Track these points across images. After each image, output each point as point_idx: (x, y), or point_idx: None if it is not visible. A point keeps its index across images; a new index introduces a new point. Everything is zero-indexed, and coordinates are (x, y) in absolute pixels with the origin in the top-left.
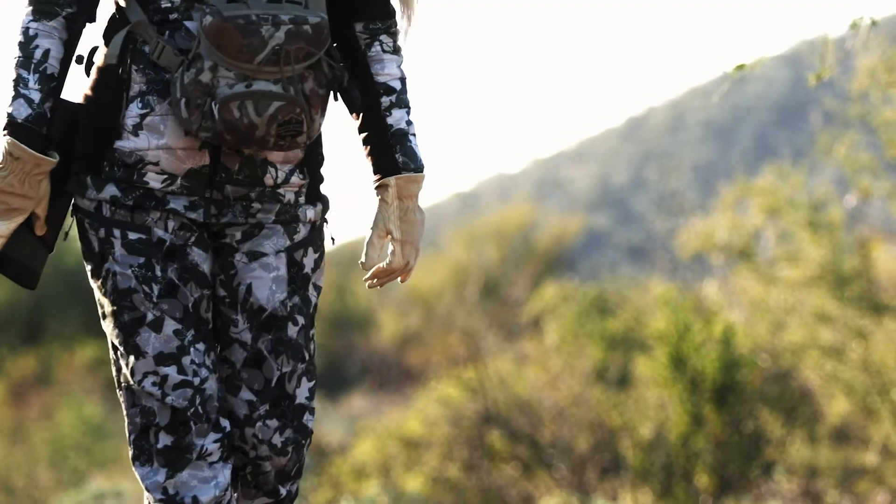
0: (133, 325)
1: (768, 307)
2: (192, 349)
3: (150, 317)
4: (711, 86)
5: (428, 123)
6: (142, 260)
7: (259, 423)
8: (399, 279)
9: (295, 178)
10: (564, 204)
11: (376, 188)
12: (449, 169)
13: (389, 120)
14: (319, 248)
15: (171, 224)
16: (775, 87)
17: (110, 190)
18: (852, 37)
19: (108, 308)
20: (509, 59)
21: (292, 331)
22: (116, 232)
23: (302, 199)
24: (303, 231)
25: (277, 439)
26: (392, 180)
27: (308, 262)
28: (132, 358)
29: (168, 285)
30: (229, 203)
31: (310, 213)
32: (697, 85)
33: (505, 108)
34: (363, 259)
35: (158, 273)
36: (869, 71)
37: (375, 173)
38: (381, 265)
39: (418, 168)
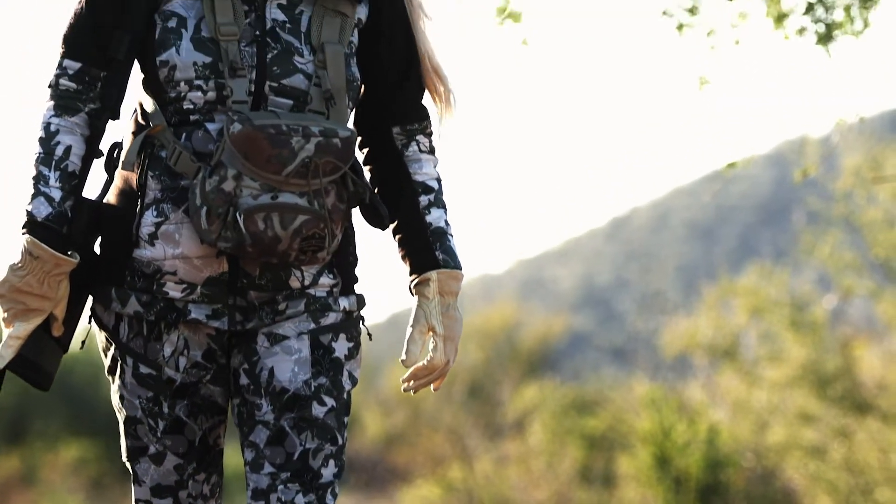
0: (136, 452)
1: (752, 407)
2: (190, 482)
3: (152, 449)
4: (695, 186)
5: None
6: (150, 394)
7: (281, 487)
8: (433, 386)
9: (324, 280)
10: (548, 304)
11: (416, 285)
12: None
13: (429, 219)
14: (354, 338)
15: (182, 361)
16: (759, 187)
17: (133, 305)
18: (836, 135)
19: (119, 418)
20: (493, 160)
21: (318, 410)
22: (129, 360)
23: (334, 296)
24: (332, 317)
25: (301, 500)
26: (433, 275)
27: (340, 347)
28: (132, 478)
29: (174, 422)
30: (254, 308)
31: (343, 302)
32: (681, 185)
33: (490, 209)
34: (404, 356)
35: (165, 410)
36: (853, 170)
37: (414, 272)
38: (421, 363)
39: (458, 266)
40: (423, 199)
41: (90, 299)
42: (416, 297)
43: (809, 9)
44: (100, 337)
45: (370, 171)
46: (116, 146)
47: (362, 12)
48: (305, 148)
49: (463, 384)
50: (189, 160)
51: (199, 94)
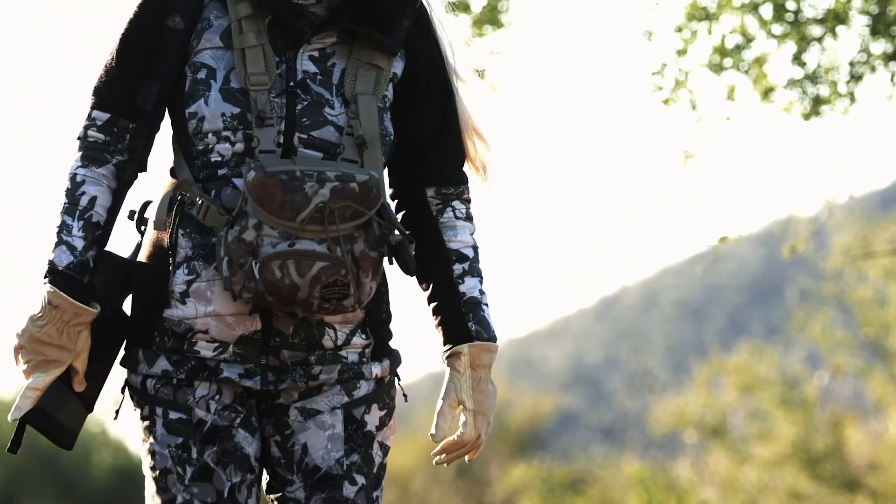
0: None
1: (741, 485)
2: None
3: (179, 499)
4: (684, 265)
5: (401, 303)
6: (179, 440)
7: None
8: (466, 457)
9: (357, 339)
10: (538, 383)
11: (447, 358)
12: (422, 348)
13: (462, 288)
14: (387, 405)
15: (213, 405)
16: (748, 267)
17: (162, 364)
18: (825, 213)
19: (148, 486)
20: (481, 240)
21: (349, 490)
22: (159, 410)
23: (366, 359)
24: (364, 388)
25: None
26: (465, 348)
27: (371, 419)
28: None
29: (202, 469)
30: (287, 368)
31: (375, 369)
32: (670, 265)
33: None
34: (433, 431)
35: (194, 455)
36: (843, 249)
37: (447, 342)
38: (451, 438)
39: (491, 338)
40: (457, 268)
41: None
42: (447, 369)
43: (796, 82)
44: (129, 403)
45: None
46: (147, 205)
47: (398, 67)
48: (320, 193)
49: (452, 463)
50: (218, 213)
51: (227, 145)
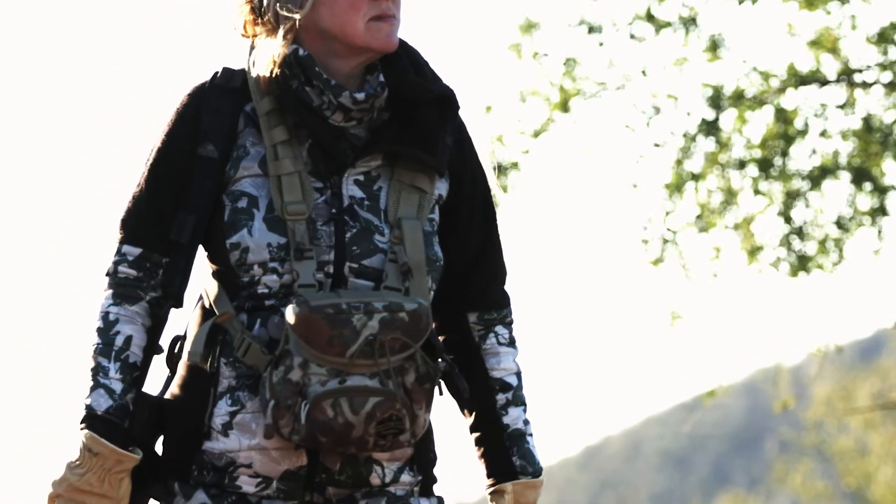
0: None
1: None
2: None
3: None
4: (667, 415)
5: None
6: None
7: None
8: None
9: (405, 477)
10: None
11: (491, 493)
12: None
13: (506, 419)
14: None
15: None
16: (731, 416)
17: (200, 498)
18: (813, 365)
19: None
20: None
21: None
22: None
23: (414, 497)
24: None
25: None
26: (509, 486)
27: None
28: None
29: None
30: None
31: (423, 503)
32: (654, 414)
33: (460, 439)
34: None
35: None
36: (825, 399)
37: (490, 476)
38: None
39: (536, 472)
40: (501, 398)
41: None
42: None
43: (785, 241)
44: None
45: None
46: (179, 339)
47: (442, 188)
48: (368, 325)
49: None
50: (259, 352)
51: (275, 277)
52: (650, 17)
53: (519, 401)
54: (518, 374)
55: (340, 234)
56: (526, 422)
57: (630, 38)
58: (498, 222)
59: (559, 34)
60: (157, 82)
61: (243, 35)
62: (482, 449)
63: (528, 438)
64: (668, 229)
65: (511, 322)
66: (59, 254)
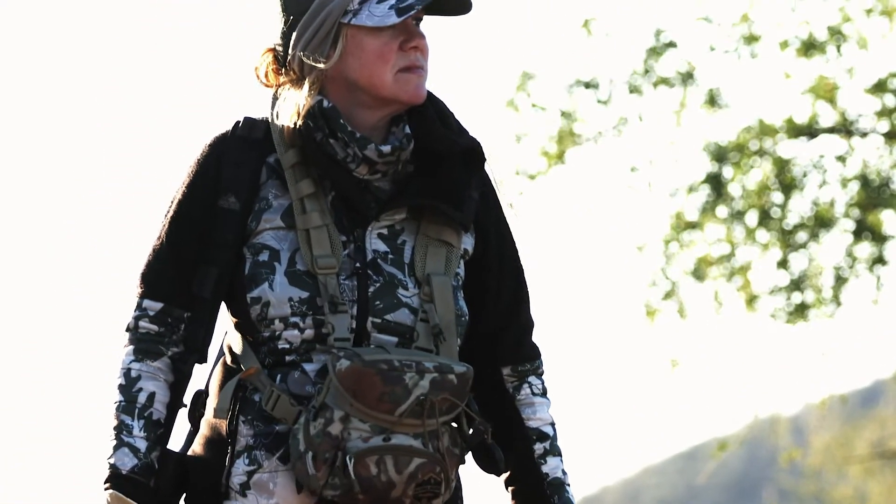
0: None
1: None
2: None
3: None
4: (665, 465)
5: None
6: None
7: None
8: None
9: None
10: None
11: None
12: None
13: (545, 469)
14: None
15: None
16: (729, 466)
17: None
18: (813, 415)
19: None
20: None
21: None
22: None
23: None
24: None
25: None
26: None
27: None
28: None
29: None
30: None
31: None
32: (651, 464)
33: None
34: None
35: None
36: (823, 447)
37: None
38: None
39: None
40: (539, 448)
41: None
42: None
43: (781, 289)
44: None
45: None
46: (201, 394)
47: (468, 243)
48: (420, 385)
49: None
50: (289, 404)
51: (297, 332)
52: (647, 72)
53: (556, 451)
54: (553, 425)
55: (364, 288)
56: (564, 472)
57: (630, 91)
58: (525, 274)
59: (556, 88)
60: (161, 87)
61: (265, 84)
62: (521, 499)
63: (567, 488)
64: (668, 279)
65: (542, 373)
66: (59, 254)
